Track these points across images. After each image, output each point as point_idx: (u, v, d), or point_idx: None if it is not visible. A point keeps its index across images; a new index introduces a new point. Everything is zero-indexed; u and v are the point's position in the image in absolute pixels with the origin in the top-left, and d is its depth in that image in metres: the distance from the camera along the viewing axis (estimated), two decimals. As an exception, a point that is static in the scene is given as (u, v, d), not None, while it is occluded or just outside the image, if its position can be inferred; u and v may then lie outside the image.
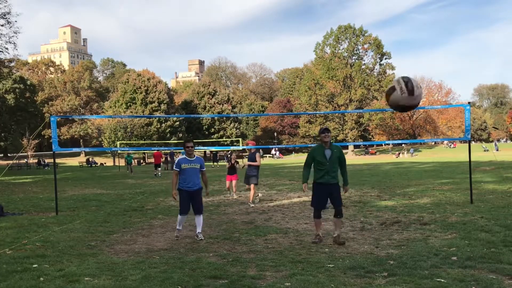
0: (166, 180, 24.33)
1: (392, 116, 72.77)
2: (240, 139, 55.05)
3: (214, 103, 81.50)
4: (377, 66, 72.91)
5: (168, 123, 71.94)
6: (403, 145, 74.75)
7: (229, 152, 15.57)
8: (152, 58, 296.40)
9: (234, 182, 14.61)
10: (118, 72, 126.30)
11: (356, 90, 70.18)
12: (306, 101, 73.56)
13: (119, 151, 53.75)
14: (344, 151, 75.38)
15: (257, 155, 13.27)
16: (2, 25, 40.52)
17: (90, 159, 58.03)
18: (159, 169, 29.81)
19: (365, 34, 71.73)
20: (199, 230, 8.16)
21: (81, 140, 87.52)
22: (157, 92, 73.39)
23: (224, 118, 79.52)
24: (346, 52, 71.87)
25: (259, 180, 20.99)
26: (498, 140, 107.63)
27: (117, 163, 48.83)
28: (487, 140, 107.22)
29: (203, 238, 8.02)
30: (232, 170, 14.64)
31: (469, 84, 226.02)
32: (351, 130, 71.42)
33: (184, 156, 8.25)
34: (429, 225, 8.70)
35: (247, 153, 76.75)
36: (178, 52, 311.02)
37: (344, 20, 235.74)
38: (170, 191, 17.21)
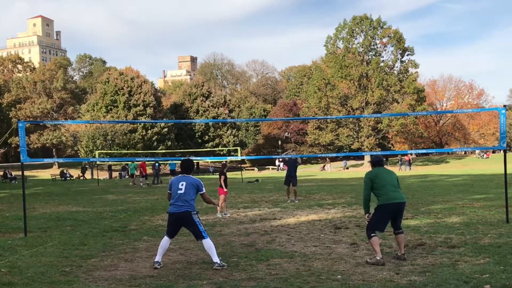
0: (151, 195, 24.36)
1: (415, 122, 72.78)
2: (238, 148, 54.99)
3: (209, 107, 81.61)
4: (397, 64, 72.91)
5: (155, 129, 71.97)
6: (327, 158, 73.98)
7: (223, 163, 16.00)
8: (136, 54, 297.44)
9: (227, 196, 15.16)
10: (96, 70, 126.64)
11: (373, 91, 70.18)
12: (315, 104, 73.56)
13: (98, 162, 53.81)
14: (359, 161, 75.62)
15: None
16: None
17: (65, 171, 58.05)
18: (144, 179, 33.83)
19: (384, 26, 71.84)
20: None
21: (54, 150, 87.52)
22: (142, 93, 73.52)
23: (220, 124, 79.56)
24: (362, 47, 71.97)
25: (260, 195, 21.05)
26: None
27: (95, 176, 48.87)
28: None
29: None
30: (226, 183, 15.17)
31: (504, 84, 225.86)
32: (368, 138, 71.33)
33: None
34: (458, 248, 8.71)
35: (247, 165, 76.25)
36: (167, 47, 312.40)
37: (368, 11, 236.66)
38: (156, 208, 17.23)
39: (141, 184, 33.64)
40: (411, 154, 77.36)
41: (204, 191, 8.32)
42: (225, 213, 14.88)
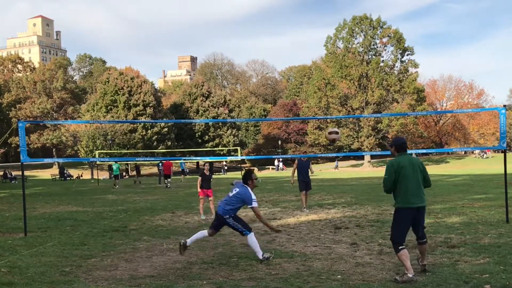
0: (151, 195, 24.36)
1: (415, 122, 72.82)
2: (238, 148, 55.05)
3: (209, 106, 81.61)
4: (397, 64, 72.93)
5: (155, 129, 71.98)
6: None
7: (204, 164, 15.31)
8: (136, 54, 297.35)
9: (211, 198, 14.73)
10: (96, 70, 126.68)
11: (373, 91, 70.20)
12: (315, 104, 73.58)
13: (97, 162, 53.84)
14: (359, 161, 75.63)
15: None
16: None
17: (65, 171, 58.04)
18: (169, 180, 32.04)
19: (384, 26, 71.87)
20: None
21: (54, 150, 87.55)
22: (142, 93, 73.53)
23: (220, 124, 79.55)
24: (362, 47, 71.99)
25: (260, 195, 20.98)
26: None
27: (95, 176, 48.86)
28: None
29: None
30: (206, 183, 14.69)
31: (504, 84, 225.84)
32: (368, 138, 71.35)
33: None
34: (458, 248, 8.71)
35: (246, 165, 76.19)
36: (167, 48, 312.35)
37: (368, 11, 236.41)
38: (156, 208, 17.21)
39: (168, 185, 31.91)
40: (412, 154, 77.06)
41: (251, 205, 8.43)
42: (204, 216, 14.35)
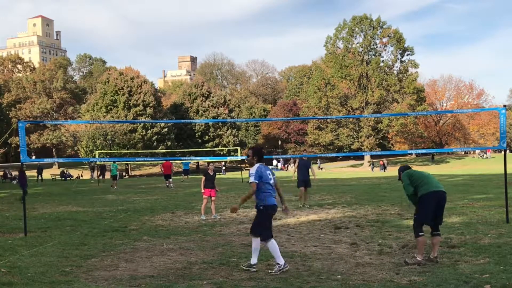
0: (151, 195, 24.36)
1: (415, 122, 72.81)
2: (238, 148, 54.99)
3: (208, 106, 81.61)
4: (397, 64, 72.99)
5: (155, 129, 71.96)
6: (291, 159, 73.44)
7: (208, 163, 15.24)
8: (137, 54, 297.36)
9: (213, 199, 14.68)
10: (96, 70, 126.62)
11: (373, 91, 70.22)
12: (315, 104, 73.56)
13: (98, 162, 53.74)
14: (359, 161, 75.44)
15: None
16: None
17: (65, 171, 58.03)
18: (170, 180, 31.67)
19: (384, 26, 71.91)
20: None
21: (54, 150, 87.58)
22: (142, 93, 73.51)
23: (220, 124, 79.55)
24: (362, 47, 72.02)
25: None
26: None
27: (95, 176, 48.83)
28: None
29: None
30: (210, 183, 14.66)
31: (504, 84, 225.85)
32: (368, 138, 71.39)
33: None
34: (458, 248, 8.71)
35: (247, 165, 76.39)
36: (167, 47, 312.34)
37: (369, 11, 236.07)
38: (156, 208, 17.22)
39: (172, 185, 31.15)
40: (412, 154, 77.08)
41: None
42: (214, 216, 14.38)
